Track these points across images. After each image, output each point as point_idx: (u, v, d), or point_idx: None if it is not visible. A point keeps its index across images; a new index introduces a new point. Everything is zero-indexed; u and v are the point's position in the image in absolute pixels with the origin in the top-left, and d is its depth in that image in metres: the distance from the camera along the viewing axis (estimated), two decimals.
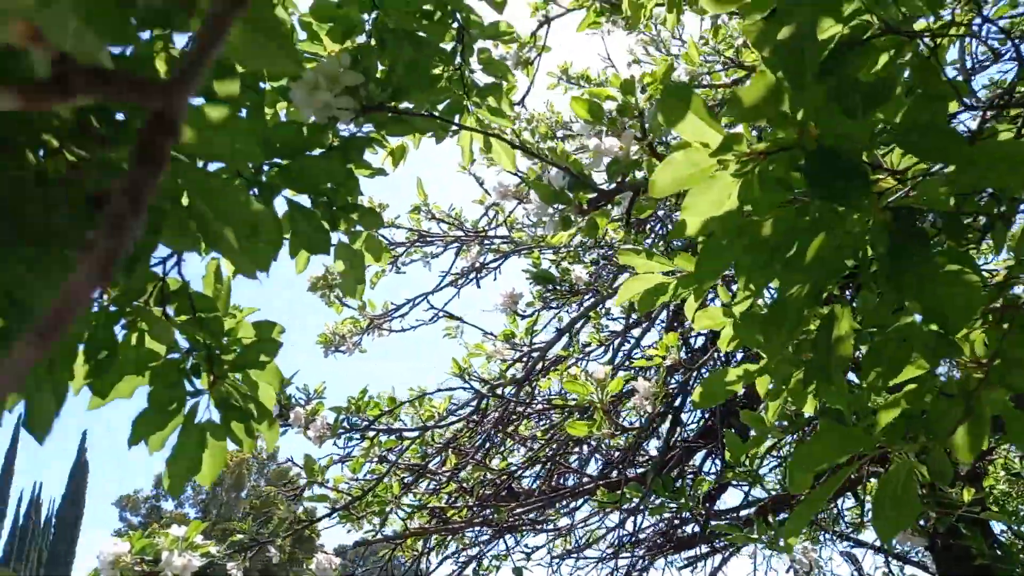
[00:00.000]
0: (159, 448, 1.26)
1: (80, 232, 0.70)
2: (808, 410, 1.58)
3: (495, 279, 3.35)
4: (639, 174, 1.39)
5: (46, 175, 0.69)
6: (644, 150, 1.28)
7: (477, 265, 3.36)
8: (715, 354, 2.45)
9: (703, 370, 2.61)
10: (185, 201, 0.73)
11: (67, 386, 0.88)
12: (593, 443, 3.64)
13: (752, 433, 1.97)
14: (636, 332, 3.66)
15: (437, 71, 1.59)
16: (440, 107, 1.67)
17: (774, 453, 2.79)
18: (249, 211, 0.69)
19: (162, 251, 1.34)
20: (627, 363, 3.33)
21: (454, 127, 1.46)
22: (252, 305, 1.82)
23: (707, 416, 3.23)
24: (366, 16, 1.54)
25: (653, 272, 1.56)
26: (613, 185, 1.34)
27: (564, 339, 3.40)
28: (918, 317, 0.98)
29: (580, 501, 3.12)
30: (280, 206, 1.37)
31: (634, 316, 3.26)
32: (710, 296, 2.70)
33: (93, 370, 1.05)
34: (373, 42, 1.52)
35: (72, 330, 1.04)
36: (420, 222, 3.58)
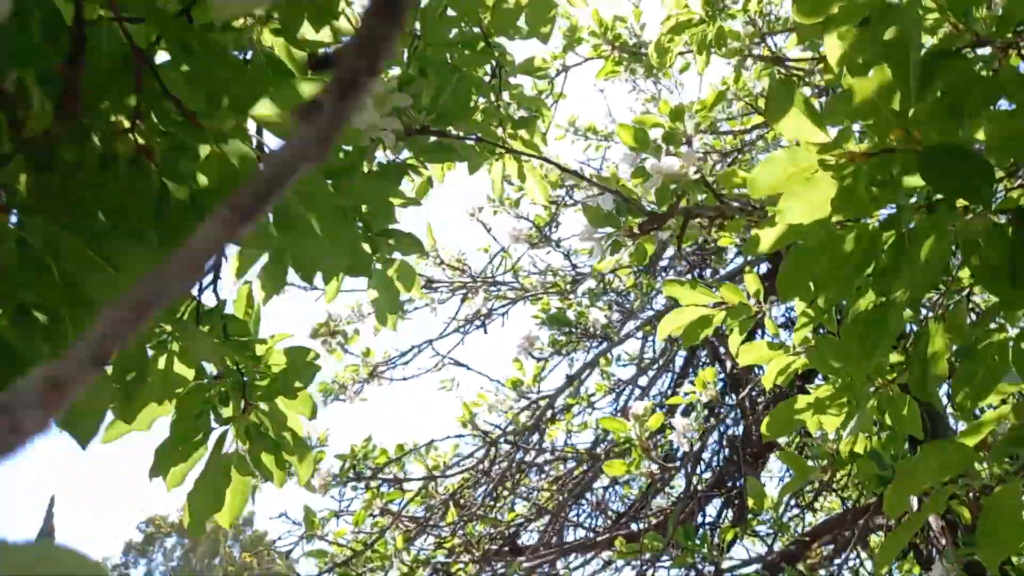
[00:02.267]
0: (179, 483, 1.16)
1: (148, 220, 0.63)
2: (859, 448, 1.51)
3: (503, 325, 3.29)
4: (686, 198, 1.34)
5: (116, 159, 0.63)
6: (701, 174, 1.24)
7: (483, 311, 3.29)
8: (752, 392, 2.38)
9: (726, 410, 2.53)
10: None
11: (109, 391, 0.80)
12: (596, 498, 3.52)
13: (786, 477, 1.89)
14: (643, 381, 3.59)
15: (475, 102, 1.56)
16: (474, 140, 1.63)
17: (796, 500, 2.70)
18: (337, 199, 0.62)
19: None
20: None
21: (498, 151, 1.42)
22: None
23: (720, 465, 3.14)
24: (405, 52, 1.51)
25: (698, 304, 1.51)
26: (665, 209, 1.29)
27: (572, 387, 3.32)
28: (1012, 331, 0.93)
29: (590, 555, 2.98)
30: None
31: (645, 363, 3.19)
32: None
33: (120, 393, 0.96)
34: (413, 73, 1.49)
35: None
36: (424, 269, 3.52)
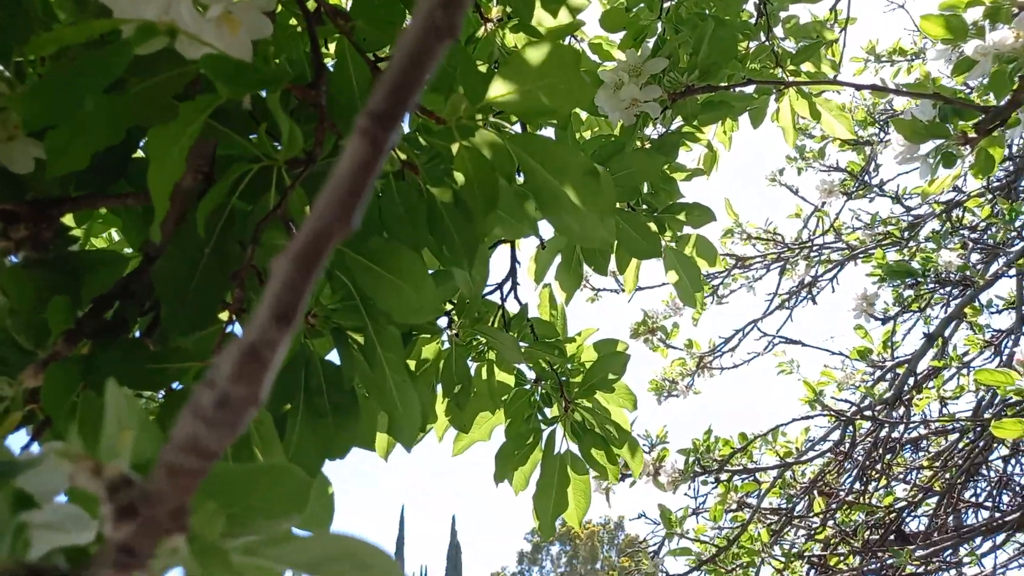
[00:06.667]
0: (524, 487, 1.21)
1: (423, 229, 0.66)
2: None
3: (832, 292, 2.97)
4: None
5: (385, 176, 0.66)
6: None
7: (807, 281, 3.01)
8: None
9: None
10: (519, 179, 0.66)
11: (432, 400, 0.85)
12: (995, 474, 2.97)
13: None
14: None
15: (742, 45, 1.43)
16: (751, 90, 1.49)
17: None
18: (587, 161, 0.59)
19: (495, 277, 1.33)
20: None
21: (778, 91, 1.28)
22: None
23: None
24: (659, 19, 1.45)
25: None
26: (1006, 100, 1.04)
27: (933, 348, 2.86)
28: None
29: (1000, 538, 2.51)
30: None
31: None
32: None
33: (451, 405, 1.03)
34: (669, 35, 1.42)
35: (428, 368, 1.03)
36: (730, 248, 3.35)
